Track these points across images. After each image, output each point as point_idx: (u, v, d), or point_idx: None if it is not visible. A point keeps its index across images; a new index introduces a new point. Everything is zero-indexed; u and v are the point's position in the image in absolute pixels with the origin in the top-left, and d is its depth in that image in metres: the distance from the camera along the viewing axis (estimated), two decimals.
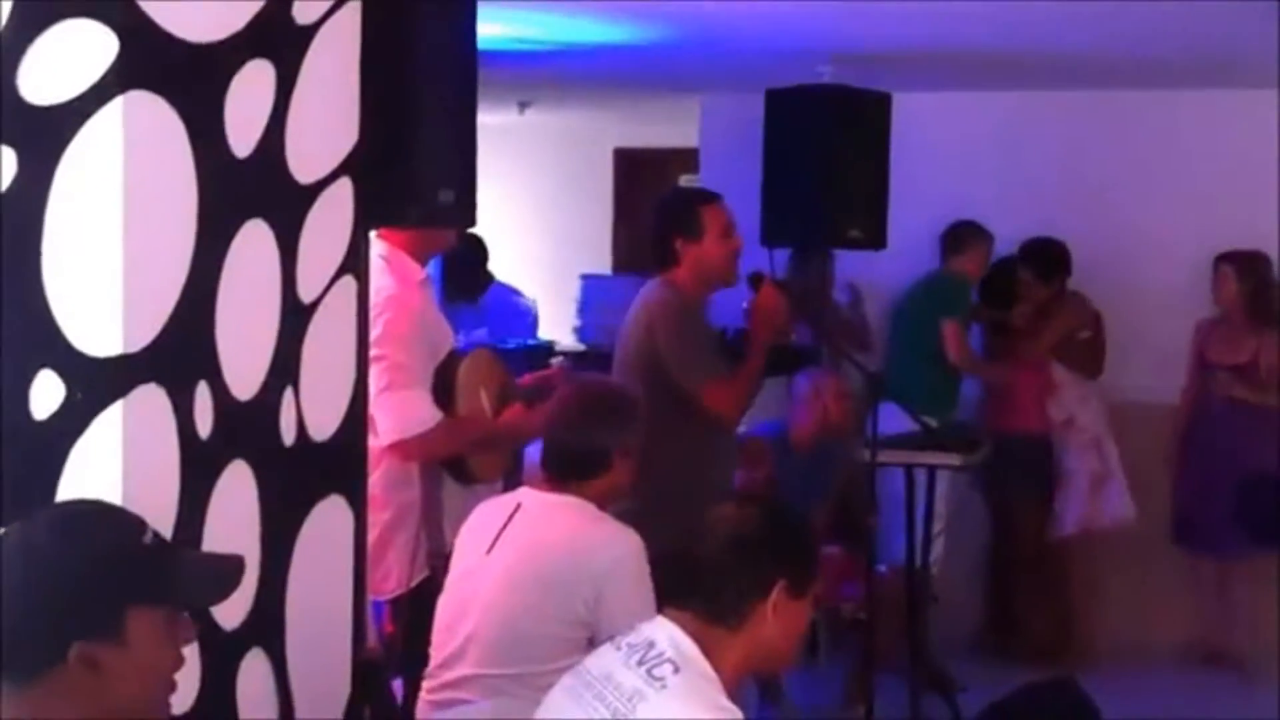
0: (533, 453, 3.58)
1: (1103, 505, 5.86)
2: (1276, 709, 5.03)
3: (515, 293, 6.79)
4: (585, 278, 7.47)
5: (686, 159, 7.33)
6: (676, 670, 2.17)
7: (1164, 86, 6.10)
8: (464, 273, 6.45)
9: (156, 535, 1.85)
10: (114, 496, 2.17)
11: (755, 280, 4.07)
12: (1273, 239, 5.84)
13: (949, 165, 6.32)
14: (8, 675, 1.73)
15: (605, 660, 2.25)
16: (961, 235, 5.87)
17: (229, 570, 1.93)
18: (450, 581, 3.08)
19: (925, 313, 5.76)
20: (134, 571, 1.78)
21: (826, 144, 5.19)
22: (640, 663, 2.20)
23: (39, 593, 1.74)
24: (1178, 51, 5.33)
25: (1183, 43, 5.14)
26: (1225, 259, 5.84)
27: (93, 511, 1.89)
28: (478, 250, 6.55)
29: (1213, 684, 5.56)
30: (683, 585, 2.29)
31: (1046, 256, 5.96)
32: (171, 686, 1.85)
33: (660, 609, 2.34)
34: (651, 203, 4.46)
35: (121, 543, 1.80)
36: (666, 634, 2.22)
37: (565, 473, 3.05)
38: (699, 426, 3.91)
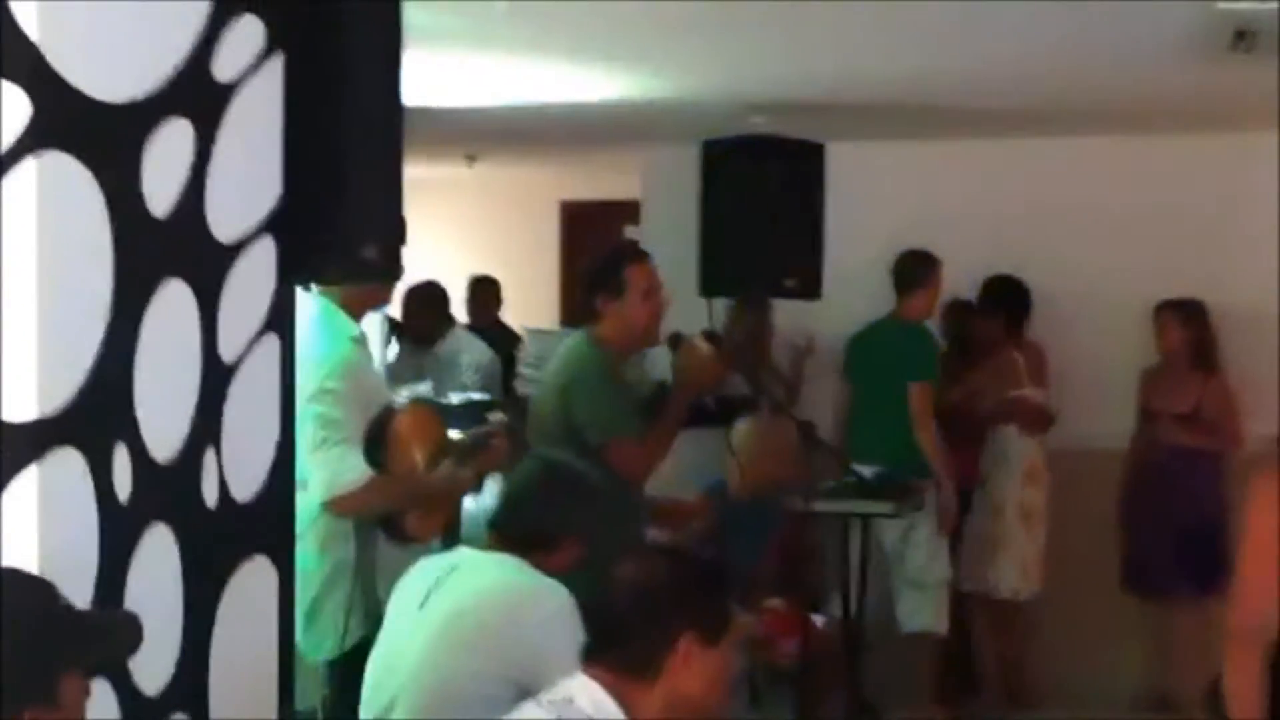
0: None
1: (990, 573, 5.89)
2: None
3: (476, 340, 6.82)
4: (531, 331, 7.46)
5: (630, 211, 7.37)
6: None
7: (1090, 134, 6.20)
8: (422, 319, 6.48)
9: (66, 599, 1.91)
10: (31, 562, 2.13)
11: (673, 341, 4.11)
12: (1210, 284, 5.90)
13: (883, 213, 6.37)
14: None
15: (527, 716, 2.27)
16: (913, 269, 5.69)
17: (126, 624, 2.02)
18: (381, 639, 3.06)
19: (894, 372, 5.58)
20: (63, 636, 1.85)
21: (762, 194, 5.25)
22: (559, 719, 2.21)
23: None
24: (1092, 100, 5.43)
25: (1096, 92, 5.25)
26: (1167, 307, 5.89)
27: (12, 580, 1.91)
28: (437, 297, 6.57)
29: None
30: (598, 639, 2.29)
31: (1007, 295, 6.00)
32: None
33: (582, 664, 2.33)
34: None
35: (48, 609, 1.85)
36: (584, 690, 2.23)
37: (511, 539, 3.04)
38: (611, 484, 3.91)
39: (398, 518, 3.44)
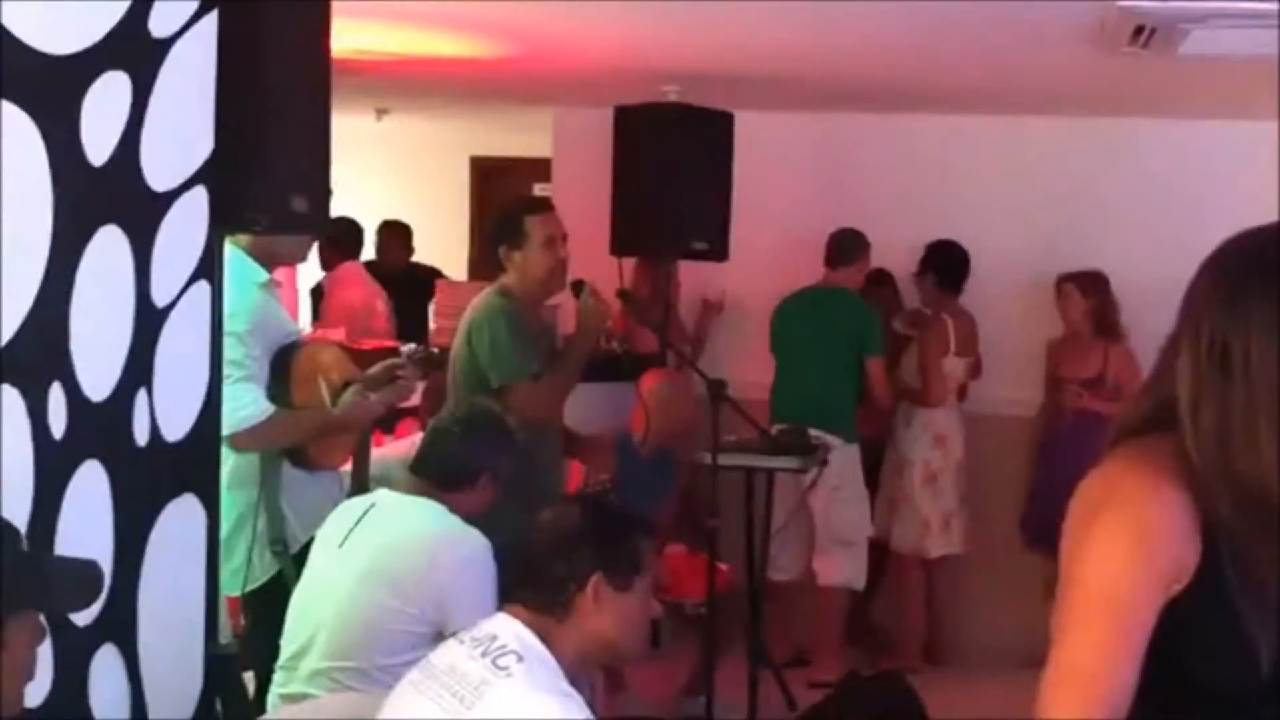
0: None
1: (895, 529, 6.10)
2: None
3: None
4: (440, 283, 7.53)
5: (541, 168, 7.45)
6: (520, 659, 2.26)
7: (992, 113, 6.38)
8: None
9: (29, 543, 1.95)
10: None
11: (576, 287, 4.23)
12: (1107, 259, 6.11)
13: (788, 181, 6.52)
14: None
15: (449, 654, 2.33)
16: (849, 245, 5.89)
17: (91, 577, 2.02)
18: (304, 576, 3.16)
19: (839, 341, 5.76)
20: (15, 579, 1.85)
21: (673, 159, 5.36)
22: (484, 654, 2.27)
23: None
24: (996, 81, 5.62)
25: (1000, 75, 5.43)
26: (1068, 279, 6.08)
27: None
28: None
29: None
30: (513, 579, 2.40)
31: (947, 261, 6.15)
32: (28, 682, 1.94)
33: (500, 605, 2.45)
34: None
35: (2, 552, 1.86)
36: (508, 627, 2.31)
37: (431, 479, 3.16)
38: (528, 432, 4.03)
39: (303, 449, 3.53)
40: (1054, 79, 5.40)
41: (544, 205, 4.35)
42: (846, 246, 5.89)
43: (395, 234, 7.79)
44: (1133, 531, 1.57)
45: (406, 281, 7.29)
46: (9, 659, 1.84)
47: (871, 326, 5.84)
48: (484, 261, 4.35)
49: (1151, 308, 5.95)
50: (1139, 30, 4.10)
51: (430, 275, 7.31)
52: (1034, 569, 5.47)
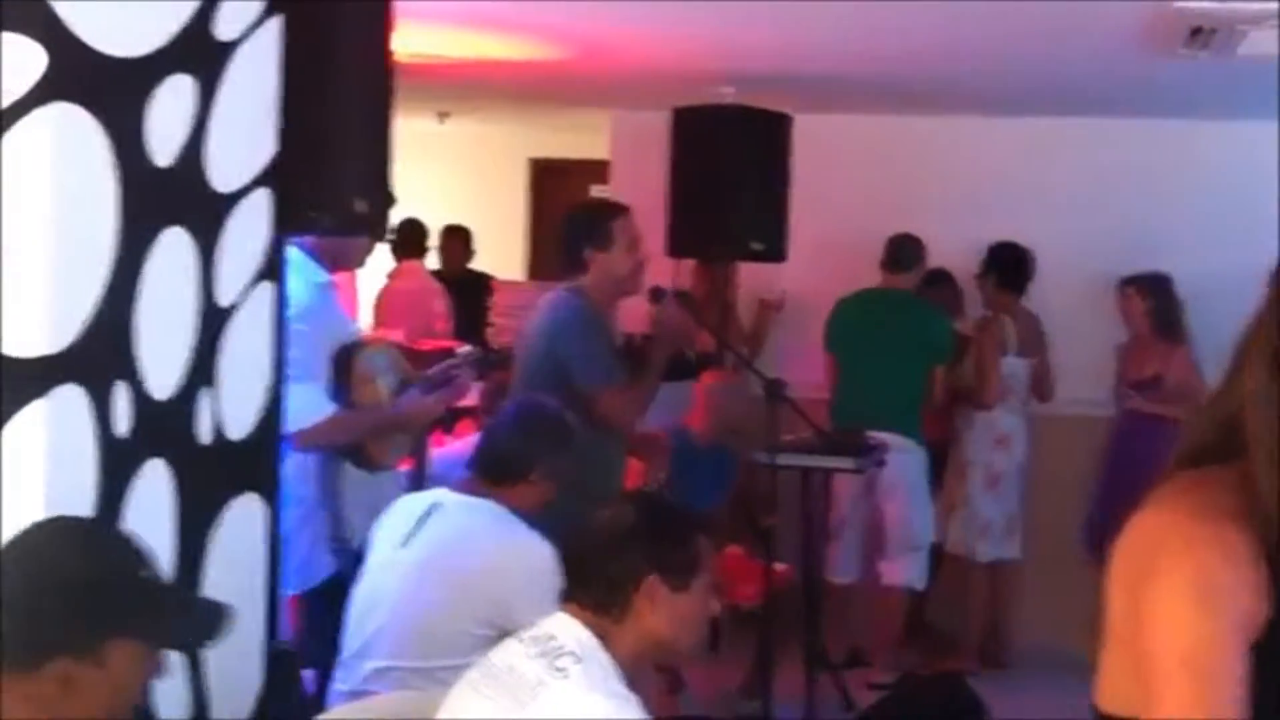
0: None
1: (951, 532, 6.04)
2: None
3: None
4: (499, 283, 7.59)
5: (597, 170, 7.47)
6: (578, 660, 2.25)
7: (1053, 114, 6.33)
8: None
9: (154, 571, 1.90)
10: (35, 493, 2.24)
11: (656, 294, 4.23)
12: (1175, 260, 6.07)
13: (846, 183, 6.50)
14: None
15: (509, 653, 2.33)
16: (907, 251, 5.90)
17: (219, 618, 1.98)
18: (364, 574, 3.18)
19: (911, 346, 5.76)
20: (125, 603, 1.83)
21: (731, 161, 5.35)
22: (542, 654, 2.27)
23: (32, 599, 1.78)
24: (1055, 83, 5.58)
25: (1060, 77, 5.39)
26: (1129, 282, 6.06)
27: (104, 535, 1.97)
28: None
29: None
30: (572, 580, 2.39)
31: (1010, 262, 6.11)
32: (131, 712, 1.91)
33: (560, 602, 2.45)
34: (564, 211, 4.59)
35: (120, 572, 1.85)
36: (566, 627, 2.31)
37: (484, 474, 3.16)
38: (592, 432, 4.03)
39: (362, 447, 3.55)
40: (1112, 81, 5.35)
41: (625, 209, 4.36)
42: (905, 252, 5.89)
43: (457, 238, 7.86)
44: (1198, 589, 1.41)
45: (462, 284, 7.36)
46: (105, 678, 1.80)
47: (950, 338, 5.85)
48: (559, 262, 4.33)
49: (1214, 309, 5.98)
50: (1195, 31, 4.07)
51: (479, 278, 7.38)
52: (1095, 572, 5.40)
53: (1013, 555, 6.12)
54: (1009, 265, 6.13)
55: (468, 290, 7.17)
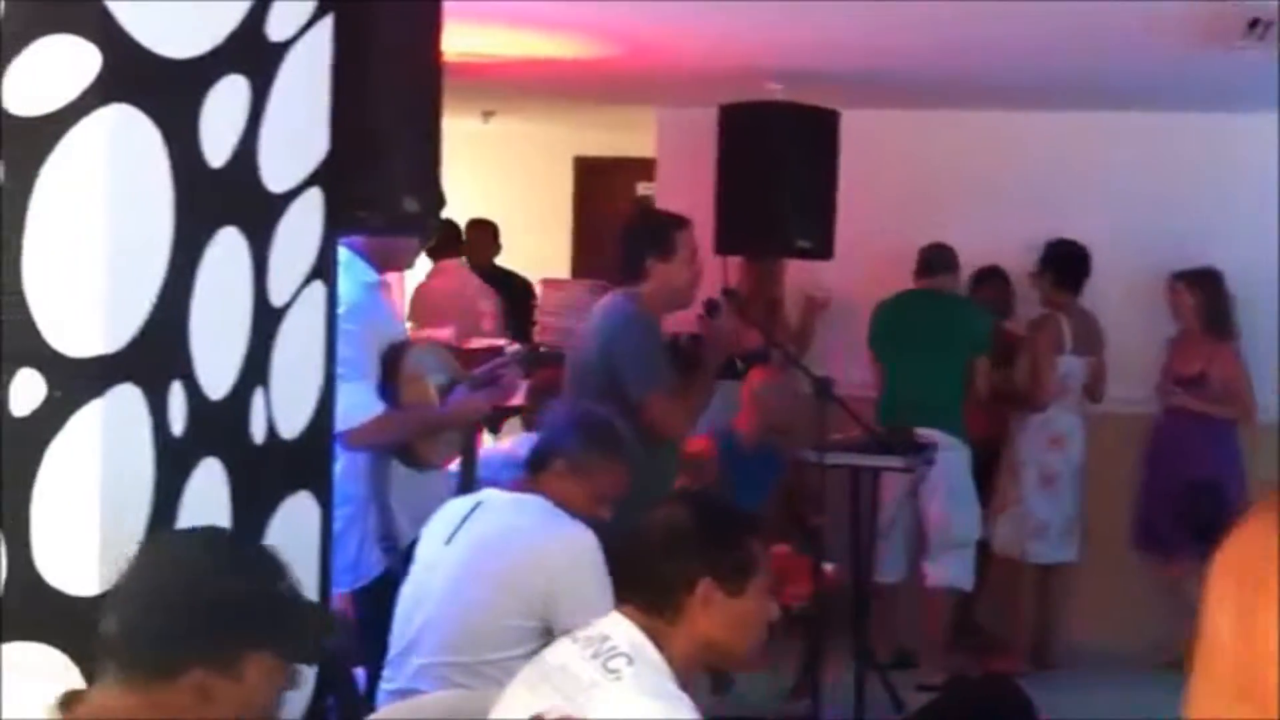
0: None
1: (1002, 532, 5.98)
2: None
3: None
4: (545, 282, 7.60)
5: (644, 168, 7.46)
6: (630, 662, 2.25)
7: (1104, 109, 6.28)
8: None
9: (292, 585, 1.92)
10: (92, 492, 2.27)
11: (711, 307, 4.24)
12: (1226, 255, 6.00)
13: (895, 179, 6.46)
14: (124, 669, 1.78)
15: (562, 653, 2.34)
16: (940, 258, 5.90)
17: (329, 625, 2.04)
18: (412, 573, 3.19)
19: (955, 343, 5.74)
20: (265, 618, 1.86)
21: (778, 158, 5.34)
22: (595, 655, 2.27)
23: (175, 610, 1.80)
24: (1106, 77, 5.53)
25: (1110, 70, 5.34)
26: (1179, 277, 6.00)
27: (248, 549, 1.98)
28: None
29: (1172, 687, 5.66)
30: (624, 581, 2.40)
31: (1067, 260, 6.04)
32: None
33: (615, 604, 2.45)
34: (610, 210, 4.61)
35: (262, 587, 1.87)
36: (620, 628, 2.31)
37: (526, 465, 3.19)
38: (643, 438, 4.03)
39: (411, 447, 3.57)
40: (1164, 75, 5.30)
41: (688, 222, 4.38)
42: (936, 260, 5.88)
43: (485, 232, 7.85)
44: None
45: (492, 280, 7.36)
46: (240, 691, 1.81)
47: (987, 330, 5.80)
48: (617, 267, 4.36)
49: (1263, 306, 5.92)
50: (1253, 23, 4.03)
51: (508, 276, 7.39)
52: (1145, 572, 5.37)
53: (1070, 558, 6.06)
54: (1066, 263, 6.06)
55: (496, 285, 7.18)
